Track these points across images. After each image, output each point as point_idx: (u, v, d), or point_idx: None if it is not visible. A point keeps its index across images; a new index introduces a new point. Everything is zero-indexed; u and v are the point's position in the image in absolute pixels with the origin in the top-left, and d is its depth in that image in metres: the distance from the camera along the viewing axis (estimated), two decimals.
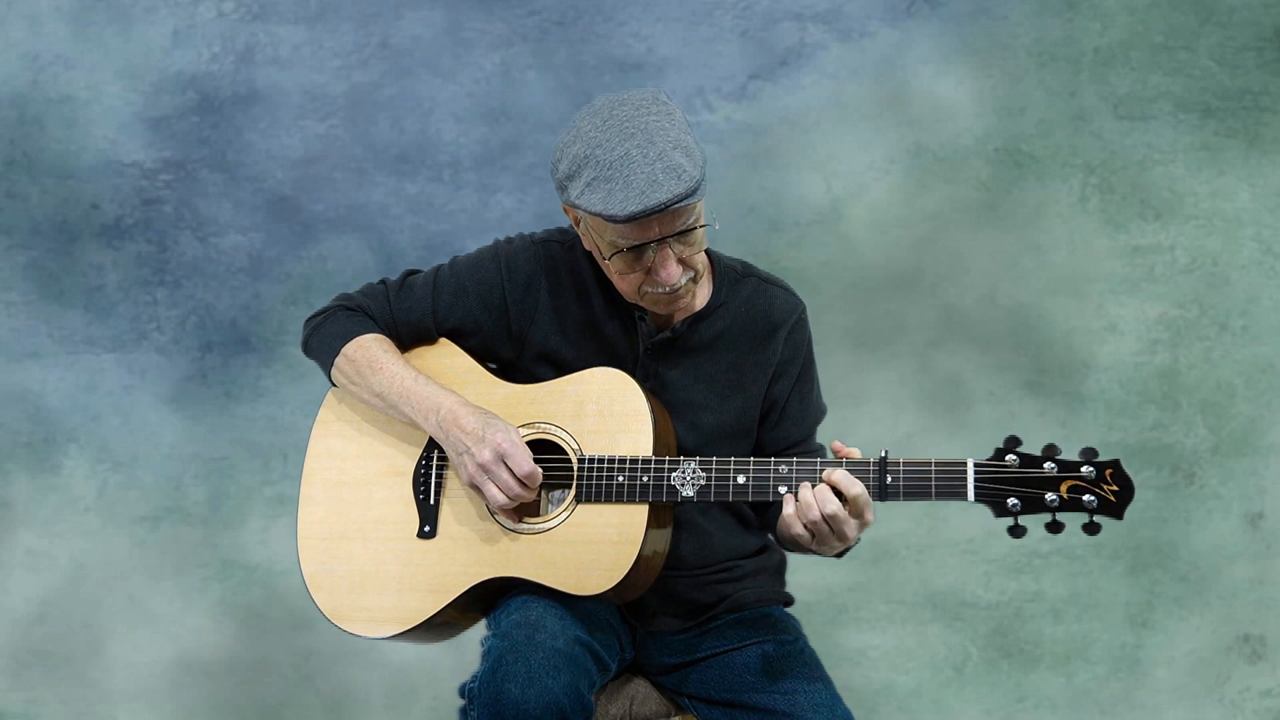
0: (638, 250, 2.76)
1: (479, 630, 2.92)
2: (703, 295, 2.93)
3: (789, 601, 3.08)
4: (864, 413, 4.39)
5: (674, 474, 2.78)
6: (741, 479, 2.77)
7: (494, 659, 2.72)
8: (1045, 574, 4.43)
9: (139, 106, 4.43)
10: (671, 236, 2.75)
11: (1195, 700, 4.41)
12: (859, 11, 4.43)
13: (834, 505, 2.69)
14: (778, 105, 4.44)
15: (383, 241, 4.44)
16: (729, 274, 2.95)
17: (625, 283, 2.82)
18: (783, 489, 2.74)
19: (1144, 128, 4.42)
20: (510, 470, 2.79)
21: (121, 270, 4.44)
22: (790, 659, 2.91)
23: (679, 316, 2.91)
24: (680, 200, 2.69)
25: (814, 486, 2.71)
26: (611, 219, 2.70)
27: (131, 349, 4.44)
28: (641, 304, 2.85)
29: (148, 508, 4.44)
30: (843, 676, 3.14)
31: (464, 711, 2.83)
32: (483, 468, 2.80)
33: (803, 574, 3.25)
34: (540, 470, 2.80)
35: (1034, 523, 2.67)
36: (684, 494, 2.78)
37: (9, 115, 4.41)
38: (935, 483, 2.68)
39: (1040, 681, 4.42)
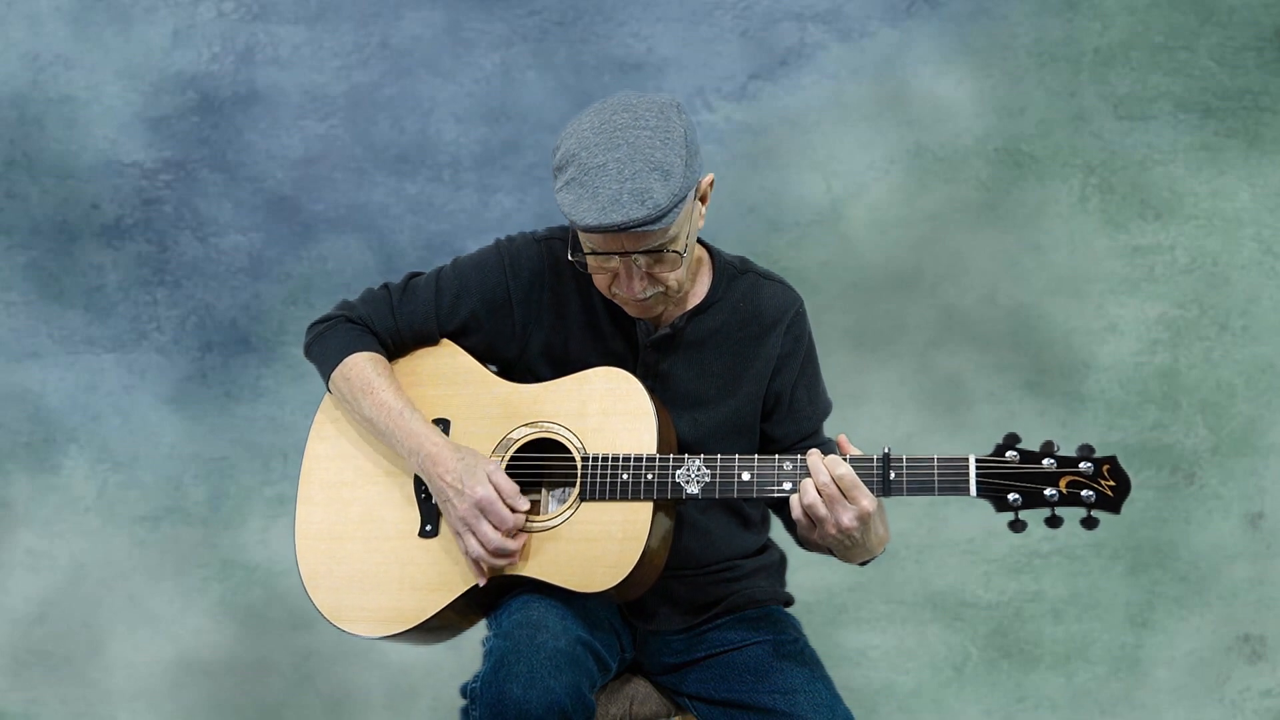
0: (603, 257, 2.77)
1: (479, 630, 2.92)
2: (701, 291, 2.93)
3: (789, 601, 3.08)
4: (864, 413, 4.39)
5: (678, 471, 2.78)
6: (746, 476, 2.76)
7: (496, 659, 2.72)
8: (1045, 574, 4.43)
9: (139, 106, 4.42)
10: (638, 253, 2.76)
11: (1195, 700, 4.41)
12: (859, 11, 4.43)
13: (824, 475, 2.70)
14: (778, 105, 4.44)
15: (383, 241, 4.44)
16: (727, 270, 2.96)
17: (596, 281, 2.83)
18: (787, 485, 2.74)
19: (1144, 128, 4.43)
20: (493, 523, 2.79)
21: (121, 270, 4.43)
22: (790, 659, 2.91)
23: (673, 315, 2.91)
24: (637, 226, 2.69)
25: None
26: (575, 224, 2.72)
27: (131, 349, 4.43)
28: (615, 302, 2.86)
29: (148, 508, 4.43)
30: (843, 676, 3.13)
31: (465, 711, 2.82)
32: (463, 520, 2.79)
33: (803, 574, 3.25)
34: (523, 516, 2.80)
35: (1033, 518, 2.68)
36: (688, 491, 2.78)
37: (9, 115, 4.41)
38: (938, 478, 2.69)
39: (1040, 681, 4.42)
